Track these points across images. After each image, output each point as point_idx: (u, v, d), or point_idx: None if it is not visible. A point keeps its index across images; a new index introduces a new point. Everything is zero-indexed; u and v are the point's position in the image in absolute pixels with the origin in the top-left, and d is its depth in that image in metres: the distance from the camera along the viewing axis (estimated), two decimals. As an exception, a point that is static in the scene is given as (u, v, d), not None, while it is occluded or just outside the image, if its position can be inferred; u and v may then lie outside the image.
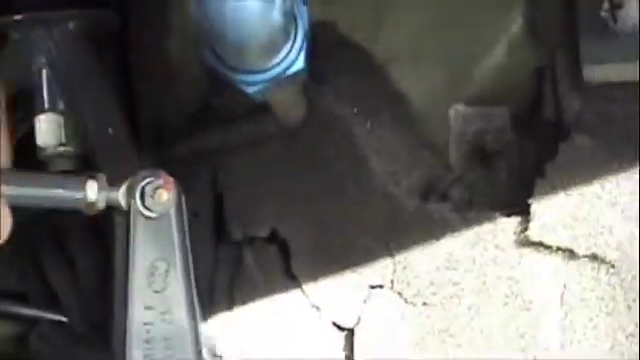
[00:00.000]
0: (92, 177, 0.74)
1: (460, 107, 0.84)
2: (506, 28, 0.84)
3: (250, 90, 0.71)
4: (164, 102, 0.93)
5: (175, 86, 0.92)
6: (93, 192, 0.74)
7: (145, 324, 0.76)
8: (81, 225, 1.00)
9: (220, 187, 0.87)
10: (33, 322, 1.06)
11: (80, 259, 1.00)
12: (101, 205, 0.74)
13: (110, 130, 0.86)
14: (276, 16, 0.62)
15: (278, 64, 0.69)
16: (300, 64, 0.71)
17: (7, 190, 0.71)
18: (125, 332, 0.76)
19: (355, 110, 0.84)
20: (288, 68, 0.70)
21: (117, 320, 0.77)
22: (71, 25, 0.86)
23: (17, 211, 0.71)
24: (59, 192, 0.74)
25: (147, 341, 0.76)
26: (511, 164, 0.83)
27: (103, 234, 1.00)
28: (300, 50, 0.70)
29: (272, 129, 0.83)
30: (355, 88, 0.85)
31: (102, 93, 0.89)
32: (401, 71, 0.86)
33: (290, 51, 0.69)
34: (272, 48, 0.68)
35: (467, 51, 0.85)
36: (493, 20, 0.84)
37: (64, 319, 1.03)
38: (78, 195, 0.73)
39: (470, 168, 0.83)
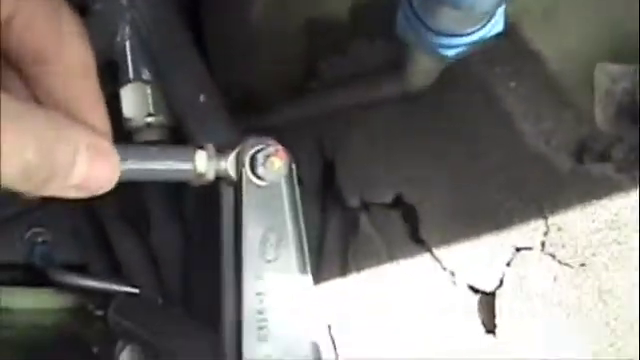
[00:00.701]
0: (200, 147, 0.71)
1: (607, 65, 0.81)
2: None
3: (448, 53, 0.67)
4: (245, 71, 0.91)
5: (258, 54, 0.89)
6: (202, 162, 0.68)
7: (258, 294, 0.75)
8: (161, 196, 0.99)
9: (330, 153, 0.85)
10: (90, 293, 1.06)
11: (159, 230, 0.99)
12: (211, 176, 0.70)
13: (202, 97, 0.84)
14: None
15: (483, 26, 0.65)
16: (500, 26, 0.66)
17: None
18: (236, 303, 0.75)
19: (497, 70, 0.81)
20: (490, 31, 0.66)
21: (226, 291, 0.76)
22: (154, -8, 0.84)
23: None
24: (168, 164, 0.67)
25: (260, 311, 0.75)
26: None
27: (180, 204, 0.99)
28: (502, 11, 0.66)
29: (391, 92, 0.80)
30: (492, 48, 0.81)
31: (190, 60, 0.87)
32: (534, 28, 0.83)
33: (494, 13, 0.64)
34: (493, 11, 0.63)
35: (615, 4, 0.82)
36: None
37: (136, 291, 1.03)
38: (187, 166, 0.68)
39: (619, 128, 0.80)
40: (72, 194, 0.46)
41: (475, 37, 0.66)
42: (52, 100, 0.49)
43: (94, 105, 0.51)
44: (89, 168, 0.46)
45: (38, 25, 0.47)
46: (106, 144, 0.49)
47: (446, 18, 0.63)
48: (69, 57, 0.49)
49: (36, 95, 0.50)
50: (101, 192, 0.49)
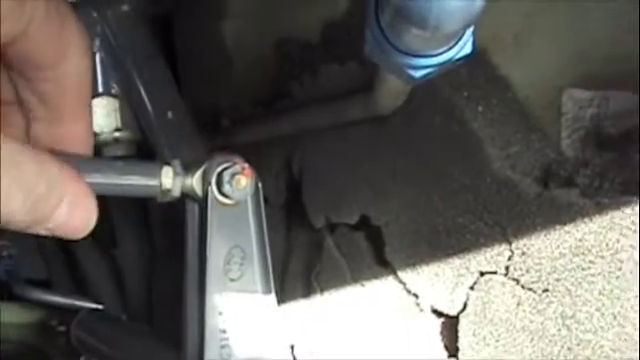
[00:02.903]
0: (167, 163, 0.70)
1: (574, 91, 0.81)
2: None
3: (416, 74, 0.66)
4: (216, 90, 0.91)
5: (230, 72, 0.89)
6: (168, 179, 0.67)
7: (221, 313, 0.74)
8: (127, 212, 0.99)
9: (297, 173, 0.85)
10: (54, 309, 1.05)
11: (124, 246, 0.99)
12: (176, 192, 0.68)
13: (170, 114, 0.84)
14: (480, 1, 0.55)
15: (450, 48, 0.64)
16: (469, 48, 0.65)
17: None
18: (200, 321, 0.74)
19: (465, 94, 0.81)
20: (458, 52, 0.65)
21: (189, 308, 0.76)
22: (125, 7, 0.84)
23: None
24: (134, 180, 0.66)
25: (222, 330, 0.75)
26: (646, 147, 0.79)
27: (147, 223, 0.98)
28: (471, 34, 0.64)
29: (360, 114, 0.79)
30: (462, 72, 0.81)
31: (159, 76, 0.87)
32: (504, 55, 0.82)
33: (463, 35, 0.63)
34: (460, 33, 0.63)
35: (584, 31, 0.80)
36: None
37: (100, 307, 1.02)
38: (153, 182, 0.67)
39: (585, 154, 0.80)
40: (44, 234, 0.47)
41: (443, 58, 0.65)
42: (42, 102, 0.50)
43: (81, 114, 0.53)
44: (68, 216, 0.46)
45: (44, 36, 0.47)
46: (87, 192, 0.49)
47: (413, 38, 0.63)
48: (68, 66, 0.50)
49: (28, 96, 0.51)
50: (77, 237, 0.49)
